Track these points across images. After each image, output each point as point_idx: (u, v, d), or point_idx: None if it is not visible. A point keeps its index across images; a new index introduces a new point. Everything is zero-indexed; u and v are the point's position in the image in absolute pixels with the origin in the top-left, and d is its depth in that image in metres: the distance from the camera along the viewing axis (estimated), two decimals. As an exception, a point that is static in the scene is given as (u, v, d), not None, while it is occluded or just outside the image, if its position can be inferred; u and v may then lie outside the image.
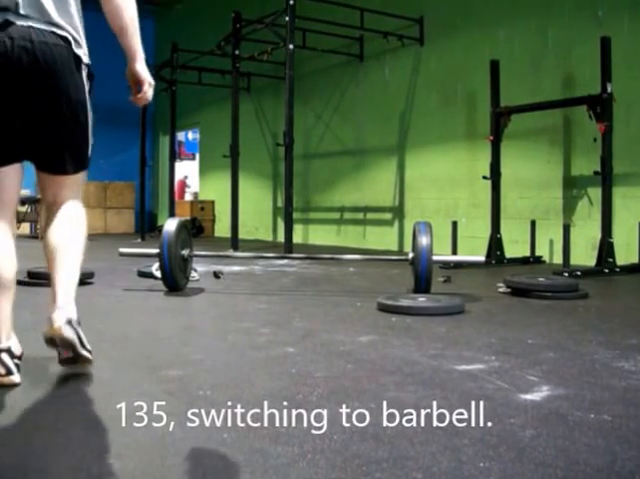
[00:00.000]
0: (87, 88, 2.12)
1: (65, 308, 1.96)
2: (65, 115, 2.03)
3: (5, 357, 1.95)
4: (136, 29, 2.18)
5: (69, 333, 1.90)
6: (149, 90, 2.23)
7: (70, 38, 2.01)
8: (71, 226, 2.17)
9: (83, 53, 2.10)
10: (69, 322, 1.91)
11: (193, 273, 4.48)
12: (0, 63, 1.87)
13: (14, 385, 1.91)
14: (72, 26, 2.03)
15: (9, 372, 1.93)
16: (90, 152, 2.18)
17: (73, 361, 2.01)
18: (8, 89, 1.91)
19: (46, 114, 1.99)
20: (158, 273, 4.31)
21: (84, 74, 2.11)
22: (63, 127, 2.05)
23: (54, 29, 1.96)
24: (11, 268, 2.09)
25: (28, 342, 2.64)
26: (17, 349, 2.03)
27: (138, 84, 2.22)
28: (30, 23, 1.91)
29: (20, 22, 1.90)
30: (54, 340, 1.91)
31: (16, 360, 1.97)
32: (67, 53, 2.00)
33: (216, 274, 4.81)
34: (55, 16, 1.97)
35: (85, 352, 1.98)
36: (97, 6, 2.17)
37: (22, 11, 1.91)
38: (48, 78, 1.95)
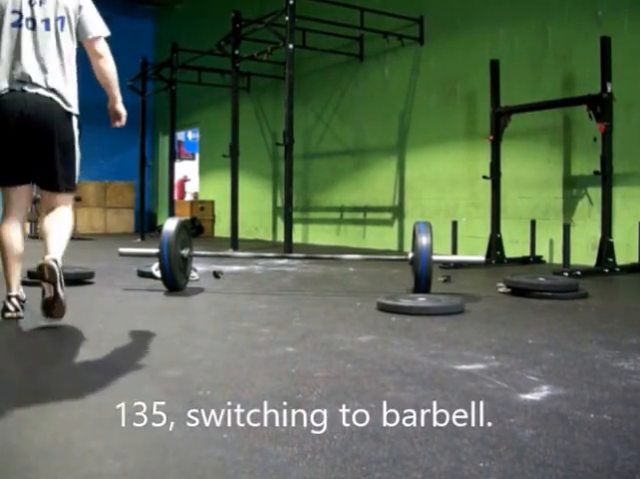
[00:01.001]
0: (76, 133, 3.05)
1: (54, 254, 2.78)
2: (58, 153, 2.96)
3: (14, 300, 2.98)
4: (115, 82, 3.16)
5: (54, 265, 2.68)
6: (123, 119, 3.28)
7: (62, 100, 2.95)
8: (60, 219, 3.04)
9: (73, 109, 3.01)
10: (55, 261, 2.71)
11: (193, 273, 4.48)
12: (18, 118, 2.86)
13: (19, 318, 2.94)
14: (65, 90, 2.96)
15: (17, 310, 2.98)
16: (76, 178, 3.11)
17: (51, 306, 2.72)
18: (22, 135, 2.89)
19: (45, 152, 2.95)
20: (157, 273, 4.31)
21: (74, 123, 3.04)
22: (57, 161, 2.97)
23: (52, 95, 2.92)
24: (21, 247, 3.04)
25: (28, 342, 2.64)
26: (22, 295, 3.05)
27: (117, 117, 3.27)
28: (37, 90, 2.89)
29: (31, 90, 2.89)
30: (42, 268, 2.68)
31: (22, 303, 3.02)
32: (60, 110, 2.95)
33: (216, 274, 4.81)
34: (53, 84, 2.92)
35: (61, 293, 2.70)
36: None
37: (34, 81, 2.89)
38: (47, 128, 2.91)
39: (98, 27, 3.07)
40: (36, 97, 2.88)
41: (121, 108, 3.25)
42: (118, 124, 3.29)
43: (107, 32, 3.11)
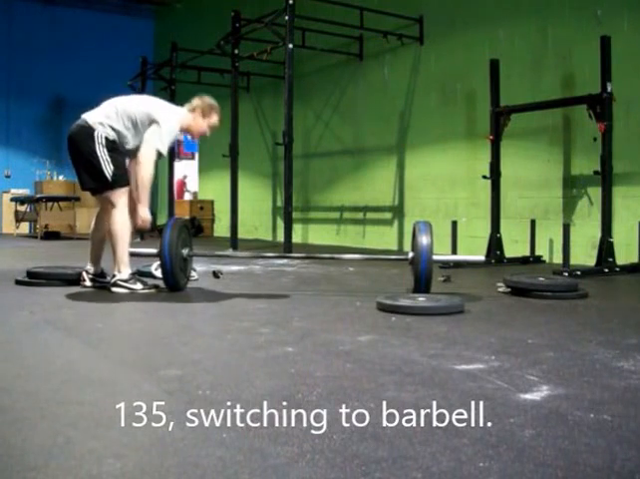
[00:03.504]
0: (101, 149, 3.90)
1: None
2: (84, 163, 3.97)
3: (84, 274, 4.21)
4: (144, 187, 3.94)
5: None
6: (144, 224, 4.04)
7: (89, 126, 3.93)
8: (108, 221, 4.04)
9: (97, 133, 3.91)
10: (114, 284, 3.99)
11: (193, 273, 4.48)
12: (68, 138, 4.02)
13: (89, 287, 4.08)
14: (96, 120, 3.94)
15: (84, 280, 4.19)
16: (106, 182, 3.94)
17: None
18: (70, 150, 4.03)
19: (78, 163, 4.01)
20: (157, 273, 4.31)
21: (99, 141, 3.91)
22: (84, 169, 3.99)
23: (83, 123, 3.96)
24: (102, 236, 4.16)
25: (28, 342, 2.64)
26: (93, 270, 4.24)
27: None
28: (77, 122, 4.00)
29: (77, 122, 4.01)
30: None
31: (91, 276, 4.22)
32: (86, 132, 3.92)
33: (216, 274, 4.80)
34: (87, 117, 3.98)
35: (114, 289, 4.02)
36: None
37: (82, 116, 4.01)
38: (76, 145, 3.98)
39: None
40: (76, 124, 4.07)
41: (143, 212, 3.97)
42: (140, 226, 4.05)
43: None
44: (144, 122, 3.95)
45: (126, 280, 3.99)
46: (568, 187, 6.30)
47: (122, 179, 3.98)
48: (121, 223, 3.98)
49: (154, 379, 2.04)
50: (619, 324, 3.14)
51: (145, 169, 3.91)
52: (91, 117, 3.96)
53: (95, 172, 3.91)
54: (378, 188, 8.50)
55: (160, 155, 3.98)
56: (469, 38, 7.30)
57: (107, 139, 3.91)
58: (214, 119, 4.26)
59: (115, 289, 3.97)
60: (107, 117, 3.95)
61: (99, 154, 3.89)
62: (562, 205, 6.33)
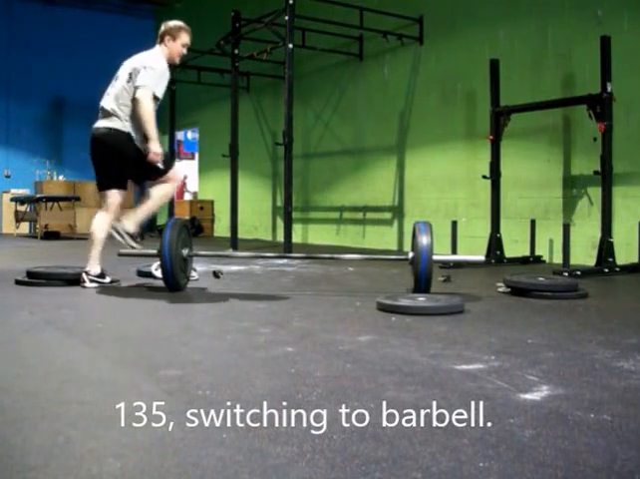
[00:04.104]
0: (130, 144, 4.21)
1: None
2: (112, 160, 4.29)
3: (84, 276, 4.25)
4: (148, 122, 4.12)
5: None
6: (154, 157, 4.19)
7: (113, 128, 4.21)
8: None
9: (122, 130, 4.23)
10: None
11: (193, 273, 4.48)
12: (92, 139, 4.28)
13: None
14: (117, 118, 4.21)
15: (84, 281, 4.24)
16: (158, 168, 4.30)
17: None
18: (94, 151, 4.32)
19: (107, 161, 4.31)
20: (157, 273, 4.30)
21: (130, 140, 4.23)
22: (112, 165, 4.30)
23: (106, 124, 4.24)
24: (103, 234, 4.30)
25: (28, 342, 2.64)
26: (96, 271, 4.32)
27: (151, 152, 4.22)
28: (97, 124, 4.28)
29: (96, 125, 4.28)
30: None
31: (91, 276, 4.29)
32: (115, 134, 4.21)
33: (216, 274, 4.80)
34: (107, 121, 4.23)
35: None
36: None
37: (99, 116, 4.29)
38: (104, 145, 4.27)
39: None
40: (98, 127, 4.36)
41: (153, 146, 4.14)
42: (150, 159, 4.18)
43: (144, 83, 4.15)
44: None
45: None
46: (568, 187, 6.30)
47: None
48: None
49: (153, 379, 2.04)
50: (619, 324, 3.14)
51: (143, 106, 4.09)
52: (111, 121, 4.26)
53: (124, 171, 4.41)
54: (378, 188, 8.50)
55: (156, 98, 4.21)
56: (469, 38, 7.30)
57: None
58: (184, 38, 4.49)
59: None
60: (123, 113, 4.27)
61: (129, 153, 4.34)
62: (562, 205, 6.33)
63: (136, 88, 4.14)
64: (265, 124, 10.65)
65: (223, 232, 10.90)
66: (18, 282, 4.33)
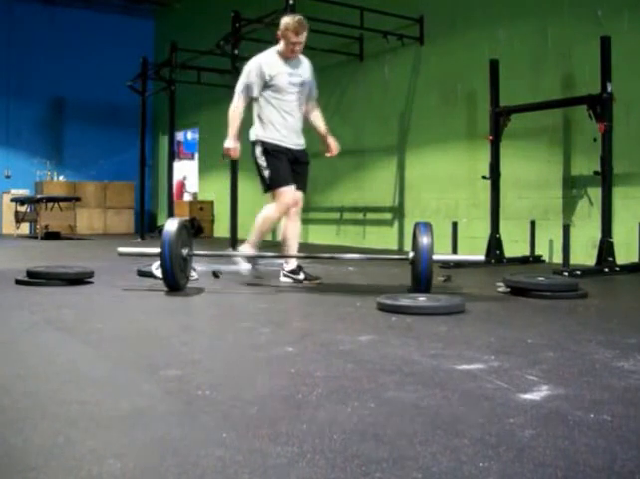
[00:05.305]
0: (258, 154, 4.70)
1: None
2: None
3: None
4: (231, 120, 4.80)
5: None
6: (225, 151, 4.81)
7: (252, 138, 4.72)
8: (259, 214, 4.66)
9: (254, 140, 4.68)
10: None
11: (193, 273, 4.48)
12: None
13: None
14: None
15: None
16: (266, 184, 4.68)
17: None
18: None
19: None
20: (157, 273, 4.30)
21: (257, 148, 4.73)
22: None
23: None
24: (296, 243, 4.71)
25: (28, 342, 2.64)
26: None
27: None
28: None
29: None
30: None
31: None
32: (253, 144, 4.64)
33: (216, 274, 4.80)
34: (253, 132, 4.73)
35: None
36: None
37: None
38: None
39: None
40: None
41: (226, 142, 4.75)
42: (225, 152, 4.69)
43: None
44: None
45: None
46: (568, 187, 6.29)
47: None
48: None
49: (153, 379, 2.04)
50: (619, 324, 3.14)
51: (231, 107, 4.82)
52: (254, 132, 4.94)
53: (261, 178, 4.94)
54: (378, 188, 8.50)
55: (242, 95, 4.83)
56: (469, 38, 7.30)
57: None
58: (291, 37, 4.64)
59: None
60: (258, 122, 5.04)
61: (260, 163, 4.84)
62: (562, 205, 6.33)
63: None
64: (265, 124, 10.62)
65: (223, 232, 10.89)
66: (18, 282, 4.33)
